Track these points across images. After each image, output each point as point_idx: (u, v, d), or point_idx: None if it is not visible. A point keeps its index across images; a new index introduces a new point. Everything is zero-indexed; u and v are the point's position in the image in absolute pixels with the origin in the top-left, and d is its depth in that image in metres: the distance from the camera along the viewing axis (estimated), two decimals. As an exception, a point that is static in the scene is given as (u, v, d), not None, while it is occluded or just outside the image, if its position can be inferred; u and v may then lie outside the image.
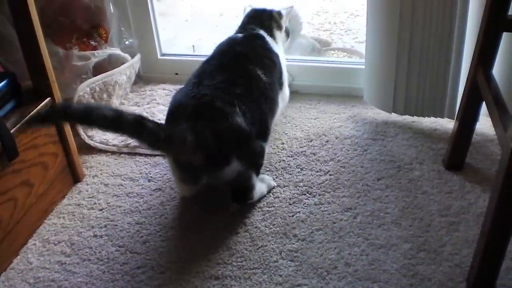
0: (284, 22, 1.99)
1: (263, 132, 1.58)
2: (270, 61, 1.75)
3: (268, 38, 1.85)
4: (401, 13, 1.73)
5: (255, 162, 1.54)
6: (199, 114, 1.43)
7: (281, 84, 1.80)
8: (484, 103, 1.47)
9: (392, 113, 1.94)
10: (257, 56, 1.72)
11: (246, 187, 1.54)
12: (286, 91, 1.87)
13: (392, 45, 1.79)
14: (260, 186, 1.60)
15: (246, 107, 1.49)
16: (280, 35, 1.96)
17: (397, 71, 1.83)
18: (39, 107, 1.52)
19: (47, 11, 1.96)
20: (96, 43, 2.07)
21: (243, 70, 1.62)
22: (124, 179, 1.74)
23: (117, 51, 2.12)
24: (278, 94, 1.76)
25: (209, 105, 1.44)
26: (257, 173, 1.57)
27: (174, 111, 1.50)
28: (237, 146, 1.45)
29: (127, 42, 2.21)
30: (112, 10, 2.13)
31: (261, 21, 1.91)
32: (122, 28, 2.19)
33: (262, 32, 1.86)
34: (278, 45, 1.92)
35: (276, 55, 1.81)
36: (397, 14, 1.73)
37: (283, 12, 1.99)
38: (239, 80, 1.55)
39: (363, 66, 2.09)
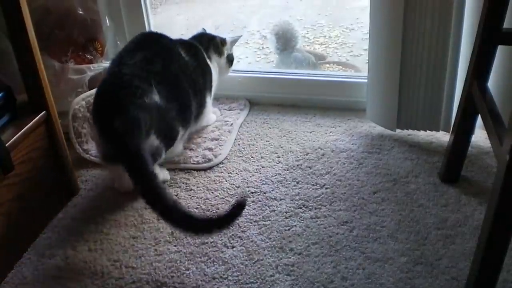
0: (227, 49, 2.09)
1: (182, 112, 1.69)
2: (199, 56, 1.91)
3: (205, 56, 1.96)
4: (401, 27, 1.74)
5: (167, 141, 1.65)
6: (120, 93, 1.54)
7: (210, 92, 1.96)
8: (479, 116, 1.47)
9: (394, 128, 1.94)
10: (184, 45, 1.87)
11: (153, 161, 1.58)
12: (209, 110, 2.02)
13: (389, 60, 1.80)
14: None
15: (162, 86, 1.61)
16: (217, 59, 2.05)
17: (393, 85, 1.83)
18: (34, 120, 1.52)
19: (43, 25, 1.96)
20: (92, 57, 2.07)
21: (162, 48, 1.76)
22: (119, 193, 1.73)
23: (113, 64, 2.11)
24: (207, 90, 1.91)
25: (129, 83, 1.56)
26: (166, 152, 1.68)
27: (99, 92, 1.61)
28: (155, 120, 1.56)
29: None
30: (108, 24, 2.14)
31: (200, 42, 2.00)
32: (118, 42, 2.19)
33: (200, 47, 1.97)
34: (213, 65, 2.01)
35: (209, 66, 1.96)
36: (400, 28, 1.74)
37: (228, 39, 2.09)
38: (157, 58, 1.68)
39: (359, 80, 2.10)
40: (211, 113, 2.07)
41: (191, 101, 1.76)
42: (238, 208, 1.37)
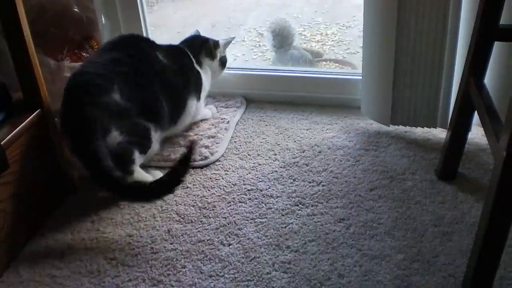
0: (220, 52, 2.10)
1: (150, 112, 1.69)
2: (182, 62, 1.91)
3: (194, 61, 1.98)
4: (394, 24, 1.73)
5: (136, 139, 1.65)
6: (80, 90, 1.59)
7: (198, 96, 1.97)
8: (476, 112, 1.47)
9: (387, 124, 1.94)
10: (166, 49, 1.88)
11: (126, 160, 1.62)
12: (201, 104, 2.02)
13: (387, 56, 1.79)
14: (144, 175, 1.71)
15: (125, 85, 1.63)
16: (209, 63, 2.06)
17: (390, 82, 1.83)
18: (29, 118, 1.51)
19: (39, 23, 1.95)
20: (88, 55, 2.06)
21: (136, 50, 1.77)
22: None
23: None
24: (190, 94, 1.91)
25: (89, 82, 1.60)
26: (141, 151, 1.67)
27: (65, 90, 1.62)
28: (114, 116, 1.58)
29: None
30: (104, 22, 2.13)
31: (192, 46, 2.02)
32: (114, 40, 2.18)
33: (190, 53, 1.98)
34: (204, 69, 2.02)
35: (197, 71, 1.97)
36: (394, 25, 1.73)
37: (221, 42, 2.11)
38: (126, 59, 1.71)
39: (355, 77, 2.09)
40: (205, 110, 2.08)
41: (163, 103, 1.75)
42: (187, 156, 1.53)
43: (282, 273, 1.38)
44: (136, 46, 1.80)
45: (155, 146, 1.78)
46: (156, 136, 1.74)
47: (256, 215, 1.59)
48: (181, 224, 1.57)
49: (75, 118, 1.54)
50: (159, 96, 1.73)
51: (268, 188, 1.70)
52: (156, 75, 1.75)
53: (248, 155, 1.87)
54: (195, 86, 1.94)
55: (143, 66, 1.73)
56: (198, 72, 1.97)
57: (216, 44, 2.08)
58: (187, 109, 1.90)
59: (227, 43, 2.13)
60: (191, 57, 1.97)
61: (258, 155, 1.87)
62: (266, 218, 1.57)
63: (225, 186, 1.72)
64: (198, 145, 1.91)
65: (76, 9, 2.04)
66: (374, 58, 1.85)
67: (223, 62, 2.12)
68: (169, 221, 1.59)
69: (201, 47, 2.03)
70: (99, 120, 1.54)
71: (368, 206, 1.60)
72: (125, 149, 1.61)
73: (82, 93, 1.57)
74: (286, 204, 1.62)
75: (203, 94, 2.02)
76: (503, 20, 1.44)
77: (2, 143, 1.39)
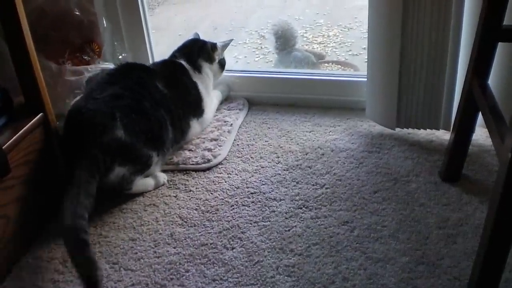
0: (218, 55, 2.10)
1: (154, 141, 1.69)
2: (180, 82, 1.91)
3: (190, 70, 1.98)
4: (399, 25, 1.73)
5: (140, 169, 1.67)
6: (82, 130, 1.58)
7: (200, 112, 1.97)
8: (479, 114, 1.46)
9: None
10: (163, 74, 1.87)
11: (125, 189, 1.67)
12: (207, 117, 2.03)
13: (388, 58, 1.79)
14: (145, 182, 1.73)
15: (129, 119, 1.61)
16: (208, 67, 2.06)
17: (392, 84, 1.82)
18: (31, 122, 1.51)
19: (39, 26, 1.95)
20: (89, 58, 2.06)
21: (136, 82, 1.75)
22: (118, 195, 1.72)
23: (110, 66, 2.11)
24: (191, 115, 1.92)
25: (91, 121, 1.58)
26: (140, 174, 1.69)
27: (65, 126, 1.64)
28: (118, 155, 1.58)
29: (120, 57, 2.20)
30: (105, 25, 2.13)
31: (190, 52, 2.03)
32: (116, 43, 2.18)
33: (184, 63, 2.00)
34: (204, 75, 2.04)
35: (194, 84, 1.97)
36: (399, 26, 1.73)
37: (219, 45, 2.11)
38: (127, 92, 1.68)
39: (358, 79, 2.09)
40: (213, 104, 2.09)
41: (167, 131, 1.75)
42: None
43: (286, 277, 1.37)
44: (136, 77, 1.78)
45: (156, 168, 1.77)
46: (156, 160, 1.72)
47: (259, 219, 1.58)
48: (184, 227, 1.57)
49: (78, 157, 1.53)
50: (162, 125, 1.72)
51: (271, 191, 1.69)
52: (158, 105, 1.73)
53: (251, 158, 1.87)
54: (196, 107, 1.95)
55: (144, 99, 1.71)
56: (199, 92, 1.97)
57: (214, 46, 2.08)
58: (189, 133, 1.92)
59: (225, 45, 2.14)
60: (190, 73, 1.97)
61: (261, 157, 1.86)
62: (270, 221, 1.57)
63: (228, 189, 1.71)
64: (202, 147, 1.90)
65: (77, 12, 2.05)
66: (379, 61, 1.84)
67: (222, 65, 2.12)
68: (172, 224, 1.58)
69: (199, 53, 2.03)
70: (102, 161, 1.54)
71: (372, 208, 1.59)
72: (127, 180, 1.65)
73: (86, 133, 1.57)
74: (290, 207, 1.61)
75: (205, 105, 2.02)
76: (506, 21, 1.43)
77: (3, 147, 1.38)
